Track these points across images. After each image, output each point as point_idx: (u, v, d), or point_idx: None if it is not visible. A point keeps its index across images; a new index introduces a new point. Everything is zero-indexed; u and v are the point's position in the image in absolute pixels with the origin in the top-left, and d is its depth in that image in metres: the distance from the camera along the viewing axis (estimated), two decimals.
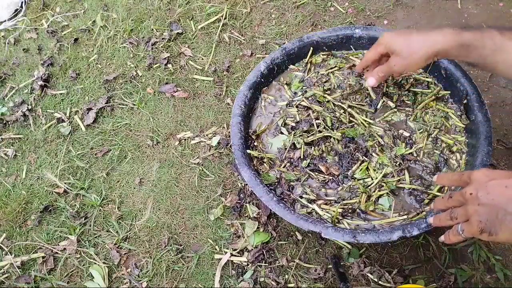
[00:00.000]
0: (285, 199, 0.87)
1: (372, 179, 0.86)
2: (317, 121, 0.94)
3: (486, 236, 0.58)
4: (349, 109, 0.93)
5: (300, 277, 0.92)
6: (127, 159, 1.14)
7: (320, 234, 0.78)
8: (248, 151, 0.92)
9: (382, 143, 0.89)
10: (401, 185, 0.85)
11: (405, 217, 0.82)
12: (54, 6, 1.53)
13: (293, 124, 0.95)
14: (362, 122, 0.92)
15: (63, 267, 1.00)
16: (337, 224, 0.83)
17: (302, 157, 0.90)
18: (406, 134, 0.90)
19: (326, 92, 0.96)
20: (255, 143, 0.95)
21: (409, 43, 0.76)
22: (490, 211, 0.58)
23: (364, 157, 0.88)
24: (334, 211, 0.83)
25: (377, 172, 0.86)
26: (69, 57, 1.37)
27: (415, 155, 0.88)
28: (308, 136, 0.92)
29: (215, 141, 1.12)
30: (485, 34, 0.71)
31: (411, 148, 0.88)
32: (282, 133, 0.95)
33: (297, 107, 0.97)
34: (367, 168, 0.87)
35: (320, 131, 0.92)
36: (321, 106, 0.95)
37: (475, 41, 0.72)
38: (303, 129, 0.93)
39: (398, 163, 0.87)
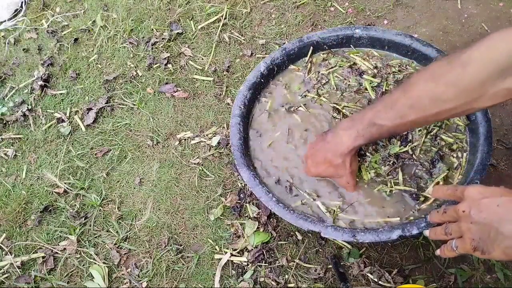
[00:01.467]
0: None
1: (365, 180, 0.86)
2: (316, 121, 0.94)
3: (479, 254, 0.58)
4: (344, 111, 0.94)
5: (300, 277, 0.92)
6: (127, 159, 1.14)
7: (319, 234, 0.78)
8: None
9: (378, 142, 0.89)
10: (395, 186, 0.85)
11: (398, 218, 0.82)
12: (54, 6, 1.53)
13: (293, 125, 0.95)
14: None
15: (63, 267, 1.00)
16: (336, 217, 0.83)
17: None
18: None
19: (325, 96, 0.97)
20: (258, 141, 0.95)
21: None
22: (483, 229, 0.57)
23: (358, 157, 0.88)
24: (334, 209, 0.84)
25: (369, 173, 0.86)
26: (69, 57, 1.37)
27: (410, 152, 0.88)
28: (306, 136, 0.92)
29: (215, 141, 1.12)
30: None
31: (405, 146, 0.88)
32: (281, 133, 0.95)
33: (297, 107, 0.97)
34: (359, 169, 0.87)
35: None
36: (321, 106, 0.95)
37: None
38: (302, 129, 0.93)
39: (391, 162, 0.87)
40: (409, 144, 0.88)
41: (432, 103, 0.66)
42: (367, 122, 0.74)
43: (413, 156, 0.87)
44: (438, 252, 0.68)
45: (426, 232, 0.71)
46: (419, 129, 0.90)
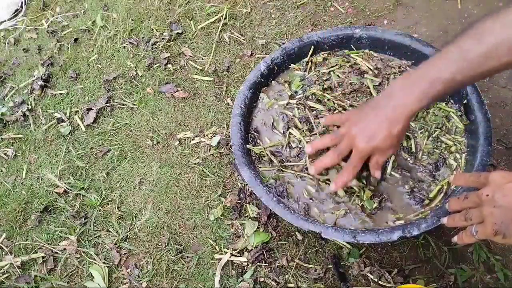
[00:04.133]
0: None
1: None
2: (316, 120, 0.93)
3: (500, 239, 0.58)
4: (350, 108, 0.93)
5: (300, 277, 0.92)
6: (127, 159, 1.14)
7: (320, 234, 0.78)
8: (249, 146, 0.92)
9: None
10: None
11: (402, 221, 0.82)
12: (54, 6, 1.53)
13: (292, 124, 0.95)
14: None
15: (63, 267, 1.00)
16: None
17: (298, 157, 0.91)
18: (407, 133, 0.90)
19: (327, 92, 0.97)
20: (257, 141, 0.95)
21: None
22: (506, 213, 0.57)
23: None
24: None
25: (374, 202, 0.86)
26: (69, 57, 1.37)
27: (413, 154, 0.88)
28: (307, 136, 0.92)
29: (215, 141, 1.12)
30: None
31: (410, 156, 0.88)
32: (280, 133, 0.95)
33: (297, 106, 0.97)
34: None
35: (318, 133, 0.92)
36: (321, 105, 0.95)
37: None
38: (302, 130, 0.93)
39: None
40: (413, 153, 0.88)
41: (510, 51, 0.61)
42: (432, 78, 0.66)
43: (416, 159, 0.87)
44: (455, 239, 0.67)
45: (444, 220, 0.70)
46: (420, 131, 0.90)
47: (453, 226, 0.69)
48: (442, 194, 0.83)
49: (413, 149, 0.88)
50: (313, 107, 0.95)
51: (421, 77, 0.68)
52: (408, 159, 0.87)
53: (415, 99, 0.67)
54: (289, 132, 0.94)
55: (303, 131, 0.93)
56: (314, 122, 0.93)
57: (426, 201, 0.83)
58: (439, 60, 0.67)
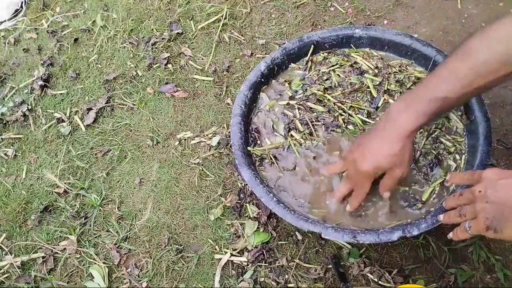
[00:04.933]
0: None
1: None
2: (317, 123, 0.93)
3: (491, 234, 0.59)
4: (350, 111, 0.94)
5: (300, 277, 0.92)
6: (127, 159, 1.14)
7: (320, 235, 0.78)
8: (249, 148, 0.92)
9: None
10: None
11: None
12: (54, 6, 1.53)
13: (292, 125, 0.95)
14: (359, 124, 0.92)
15: (63, 267, 1.00)
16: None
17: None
18: None
19: (327, 92, 0.96)
20: (258, 141, 0.95)
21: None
22: (497, 208, 0.59)
23: None
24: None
25: None
26: (69, 57, 1.37)
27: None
28: (306, 139, 0.92)
29: (215, 141, 1.12)
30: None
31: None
32: (281, 134, 0.95)
33: (298, 107, 0.97)
34: None
35: (317, 135, 0.92)
36: (322, 105, 0.95)
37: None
38: (303, 132, 0.93)
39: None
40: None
41: (502, 66, 0.64)
42: (427, 99, 0.69)
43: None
44: (450, 235, 0.69)
45: (441, 217, 0.72)
46: (420, 131, 0.89)
47: (449, 223, 0.70)
48: (434, 196, 0.84)
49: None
50: (313, 108, 0.95)
51: (416, 98, 0.71)
52: None
53: (413, 119, 0.70)
54: (290, 134, 0.94)
55: (304, 133, 0.93)
56: (313, 126, 0.93)
57: (419, 205, 0.83)
58: (431, 80, 0.70)
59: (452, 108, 0.79)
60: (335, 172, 0.87)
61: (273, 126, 0.96)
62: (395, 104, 0.74)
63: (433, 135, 0.89)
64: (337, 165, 0.86)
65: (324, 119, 0.94)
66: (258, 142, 0.95)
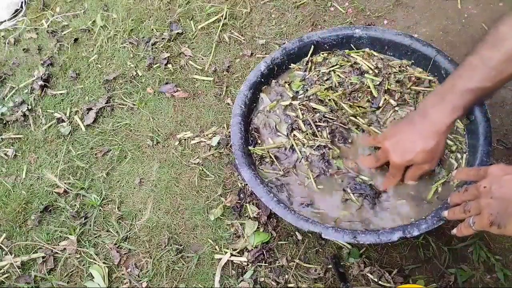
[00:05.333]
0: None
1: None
2: (319, 124, 0.93)
3: (495, 229, 0.59)
4: (350, 113, 0.94)
5: (300, 277, 0.92)
6: (127, 159, 1.14)
7: (320, 235, 0.78)
8: (250, 147, 0.92)
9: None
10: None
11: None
12: (54, 6, 1.53)
13: (294, 126, 0.95)
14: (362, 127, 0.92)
15: (63, 267, 1.00)
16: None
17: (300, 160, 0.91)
18: None
19: (329, 91, 0.96)
20: (258, 141, 0.95)
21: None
22: (502, 204, 0.59)
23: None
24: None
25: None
26: (69, 57, 1.37)
27: None
28: (309, 140, 0.92)
29: (215, 141, 1.12)
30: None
31: None
32: (283, 134, 0.95)
33: (300, 108, 0.97)
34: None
35: (320, 135, 0.92)
36: (323, 105, 0.95)
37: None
38: (306, 133, 0.93)
39: None
40: None
41: None
42: (461, 90, 0.69)
43: None
44: (454, 231, 0.69)
45: (445, 213, 0.72)
46: None
47: (453, 219, 0.70)
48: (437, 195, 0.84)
49: None
50: (316, 108, 0.95)
51: (450, 91, 0.70)
52: None
53: (447, 113, 0.71)
54: (294, 135, 0.93)
55: (307, 134, 0.93)
56: (316, 127, 0.93)
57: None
58: (464, 71, 0.70)
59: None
60: (371, 167, 0.87)
61: (275, 126, 0.96)
62: (429, 98, 0.74)
63: None
64: (370, 160, 0.86)
65: (328, 121, 0.93)
66: (259, 142, 0.95)
